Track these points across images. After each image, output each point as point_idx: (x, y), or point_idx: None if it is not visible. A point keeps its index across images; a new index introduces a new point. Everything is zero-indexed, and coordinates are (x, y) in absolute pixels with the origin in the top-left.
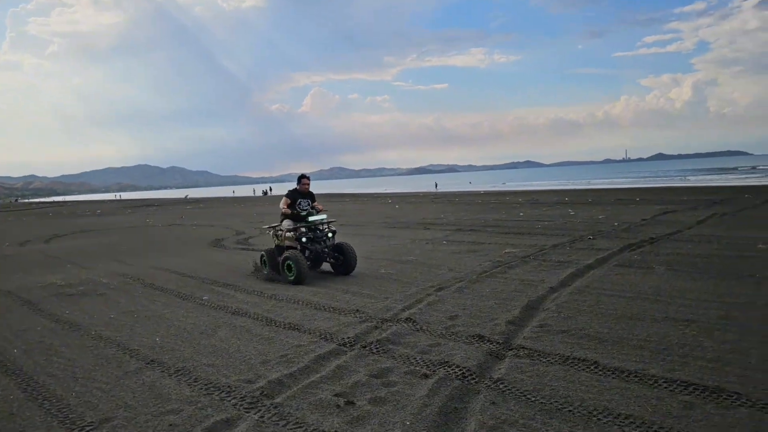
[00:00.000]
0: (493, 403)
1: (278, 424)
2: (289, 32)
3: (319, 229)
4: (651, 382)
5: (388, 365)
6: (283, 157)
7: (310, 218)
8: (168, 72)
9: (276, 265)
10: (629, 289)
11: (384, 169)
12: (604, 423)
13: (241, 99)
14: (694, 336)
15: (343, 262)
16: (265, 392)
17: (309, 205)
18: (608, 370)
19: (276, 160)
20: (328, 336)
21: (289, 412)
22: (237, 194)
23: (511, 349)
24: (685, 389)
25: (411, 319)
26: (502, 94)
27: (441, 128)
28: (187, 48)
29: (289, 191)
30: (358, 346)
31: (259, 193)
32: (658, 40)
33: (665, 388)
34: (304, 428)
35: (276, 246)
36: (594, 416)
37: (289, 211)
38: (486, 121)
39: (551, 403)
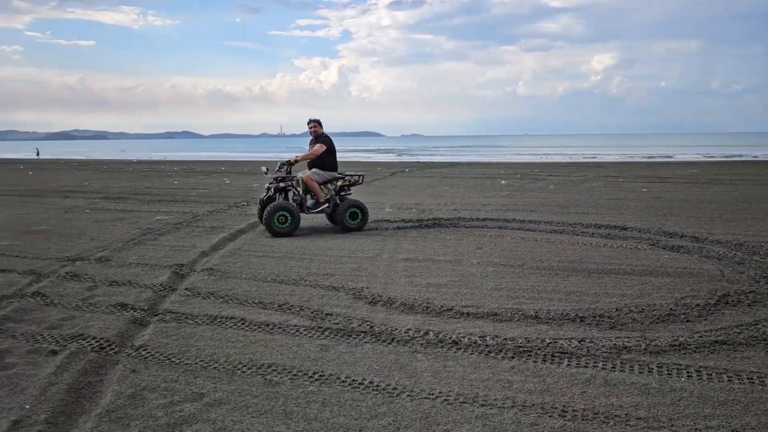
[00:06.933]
0: (134, 371)
1: None
2: None
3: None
4: (293, 332)
5: (5, 346)
6: None
7: None
8: None
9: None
10: (278, 249)
11: (15, 132)
12: (248, 374)
13: None
14: (333, 287)
15: None
16: None
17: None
18: (254, 325)
19: None
20: None
21: None
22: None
23: (157, 315)
24: (321, 334)
25: (39, 293)
26: (158, 60)
27: (88, 90)
28: None
29: None
30: None
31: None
32: (309, 24)
33: (305, 335)
34: None
35: None
36: (238, 369)
37: None
38: (140, 87)
39: (196, 363)
